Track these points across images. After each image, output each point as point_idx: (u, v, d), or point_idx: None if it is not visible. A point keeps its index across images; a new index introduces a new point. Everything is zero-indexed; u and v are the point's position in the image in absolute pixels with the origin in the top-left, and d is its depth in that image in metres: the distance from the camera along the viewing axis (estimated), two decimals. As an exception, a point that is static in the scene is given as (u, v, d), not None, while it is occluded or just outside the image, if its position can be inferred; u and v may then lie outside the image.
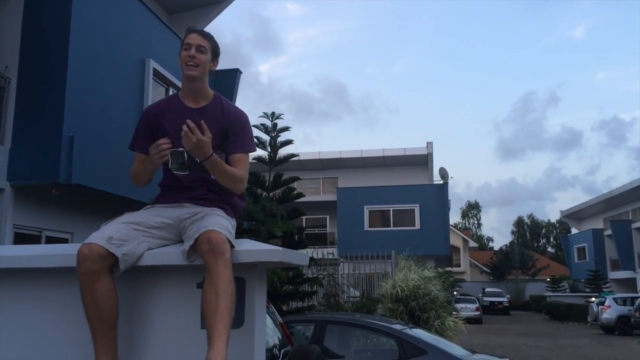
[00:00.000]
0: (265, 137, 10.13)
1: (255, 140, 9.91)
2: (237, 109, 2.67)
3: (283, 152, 10.44)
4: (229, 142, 2.56)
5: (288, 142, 10.23)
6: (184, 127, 2.32)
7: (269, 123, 10.08)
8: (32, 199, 8.08)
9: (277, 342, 3.88)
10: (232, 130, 2.55)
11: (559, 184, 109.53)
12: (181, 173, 2.42)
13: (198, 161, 2.42)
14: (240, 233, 9.31)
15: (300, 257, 2.55)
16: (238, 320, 2.26)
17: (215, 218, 2.35)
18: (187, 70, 2.51)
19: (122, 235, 2.28)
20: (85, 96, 8.21)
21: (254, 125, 10.13)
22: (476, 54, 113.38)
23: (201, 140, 2.32)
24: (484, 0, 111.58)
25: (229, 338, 2.08)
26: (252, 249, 2.30)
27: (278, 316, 4.27)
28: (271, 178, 10.06)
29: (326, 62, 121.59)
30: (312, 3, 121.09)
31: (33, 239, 8.19)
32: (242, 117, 2.63)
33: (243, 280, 2.32)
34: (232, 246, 2.25)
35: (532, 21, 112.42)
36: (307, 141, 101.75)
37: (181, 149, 2.39)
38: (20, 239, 7.90)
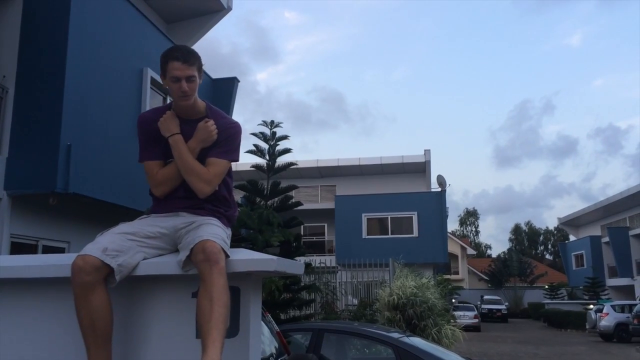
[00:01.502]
0: (264, 145, 10.14)
1: (254, 148, 9.95)
2: (228, 119, 2.65)
3: (281, 160, 10.45)
4: (213, 146, 2.55)
5: (286, 150, 10.23)
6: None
7: (267, 131, 10.09)
8: (29, 208, 8.07)
9: (273, 351, 3.87)
10: (218, 139, 2.55)
11: (555, 191, 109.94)
12: None
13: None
14: (237, 242, 9.31)
15: (295, 265, 2.55)
16: (233, 329, 2.27)
17: (211, 227, 2.36)
18: (181, 101, 2.51)
19: (117, 245, 2.28)
20: (82, 105, 8.22)
21: (252, 134, 10.14)
22: (472, 62, 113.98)
23: (167, 117, 2.52)
24: (481, 9, 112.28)
25: (223, 345, 2.08)
26: (246, 258, 2.31)
27: (275, 325, 4.26)
28: (269, 186, 10.06)
29: (324, 70, 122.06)
30: (310, 11, 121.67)
31: (30, 249, 8.18)
32: (230, 127, 2.60)
33: (238, 290, 2.32)
34: (226, 256, 2.26)
35: (528, 29, 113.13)
36: (304, 149, 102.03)
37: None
38: (17, 248, 7.89)
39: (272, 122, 10.05)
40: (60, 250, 8.60)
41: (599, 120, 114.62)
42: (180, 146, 2.48)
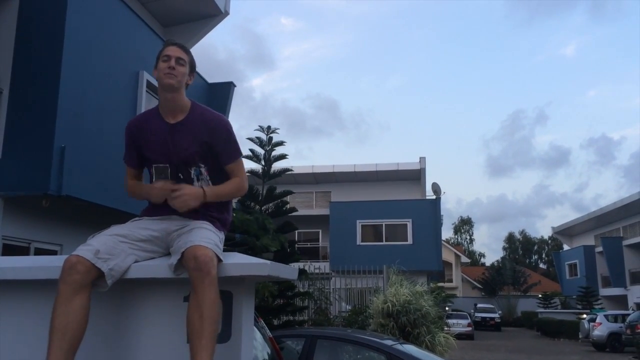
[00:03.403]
0: (260, 151, 10.13)
1: (250, 152, 9.94)
2: (216, 115, 2.60)
3: (277, 166, 10.44)
4: (218, 154, 2.53)
5: (282, 156, 10.24)
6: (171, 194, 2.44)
7: (264, 137, 10.09)
8: (21, 210, 8.02)
9: (266, 357, 3.84)
10: (216, 141, 2.52)
11: (548, 201, 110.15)
12: None
13: (181, 177, 2.53)
14: (234, 246, 9.28)
15: (288, 270, 2.53)
16: (225, 334, 2.24)
17: (203, 232, 2.33)
18: (166, 79, 2.46)
19: (109, 248, 2.25)
20: (77, 107, 8.18)
21: (249, 138, 10.13)
22: (467, 72, 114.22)
23: (183, 195, 2.41)
24: (475, 19, 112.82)
25: None
26: (239, 262, 2.28)
27: (267, 331, 4.23)
28: (264, 191, 10.04)
29: (319, 77, 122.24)
30: (306, 18, 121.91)
31: (22, 251, 8.12)
32: (224, 126, 2.56)
33: (230, 294, 2.30)
34: (219, 260, 2.23)
35: (521, 40, 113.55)
36: (299, 156, 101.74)
37: (165, 164, 2.50)
38: (9, 250, 7.83)
39: (269, 127, 10.06)
40: (53, 253, 8.53)
41: (591, 130, 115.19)
42: (216, 196, 2.52)
